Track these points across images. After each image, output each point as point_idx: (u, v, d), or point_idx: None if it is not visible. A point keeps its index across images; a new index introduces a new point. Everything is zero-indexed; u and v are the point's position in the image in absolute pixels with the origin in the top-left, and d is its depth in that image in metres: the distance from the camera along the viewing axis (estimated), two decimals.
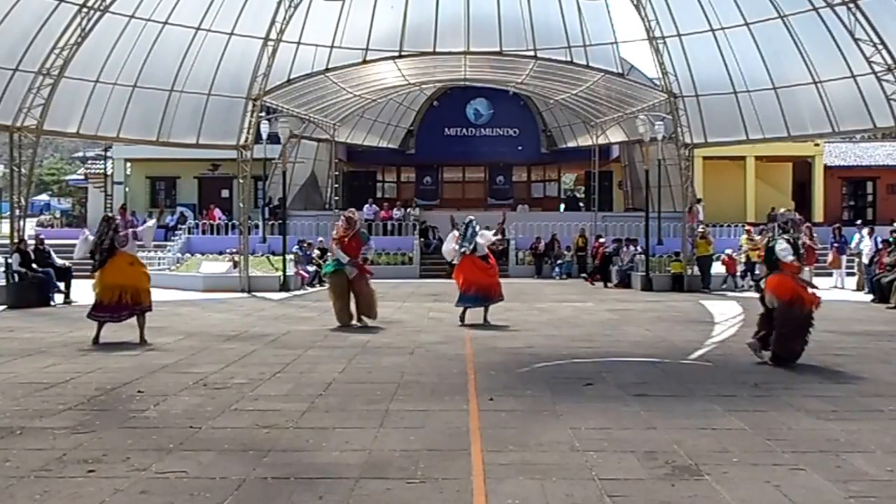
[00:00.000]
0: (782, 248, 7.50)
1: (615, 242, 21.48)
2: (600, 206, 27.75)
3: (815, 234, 8.52)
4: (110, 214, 10.16)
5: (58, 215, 39.54)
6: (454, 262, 11.49)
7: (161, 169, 31.40)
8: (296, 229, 23.57)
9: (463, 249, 11.07)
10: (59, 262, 15.49)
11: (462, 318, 11.06)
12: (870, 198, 31.94)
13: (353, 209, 12.31)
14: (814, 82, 16.93)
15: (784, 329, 7.36)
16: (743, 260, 19.22)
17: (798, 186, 31.13)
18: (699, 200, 26.34)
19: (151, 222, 10.88)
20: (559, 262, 23.21)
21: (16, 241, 15.05)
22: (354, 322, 10.80)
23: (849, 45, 15.43)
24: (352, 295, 10.86)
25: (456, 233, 11.39)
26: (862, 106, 16.24)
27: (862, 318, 12.09)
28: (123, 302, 9.09)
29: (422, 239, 25.28)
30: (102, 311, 9.09)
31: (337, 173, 27.69)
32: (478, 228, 11.25)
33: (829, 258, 18.54)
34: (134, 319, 9.26)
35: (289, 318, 12.42)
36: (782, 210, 8.12)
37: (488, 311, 11.22)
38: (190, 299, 15.78)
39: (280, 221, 21.75)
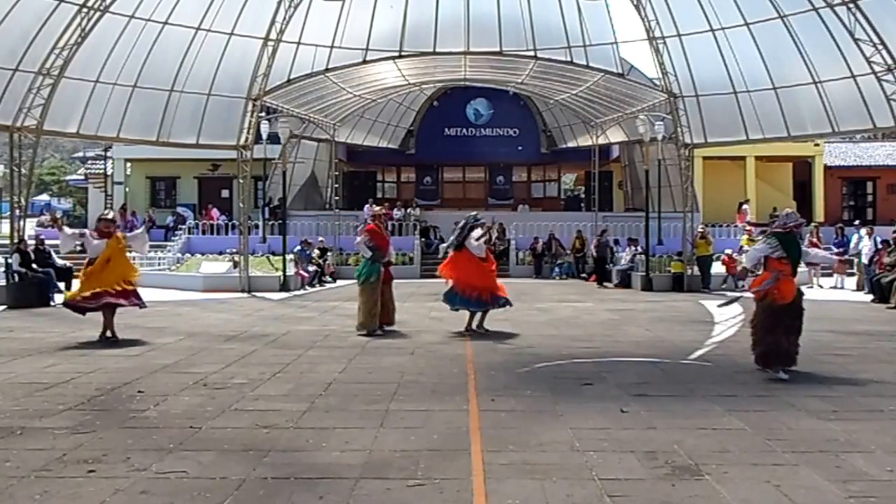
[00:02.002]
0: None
1: (599, 237, 21.43)
2: (600, 206, 27.76)
3: (821, 235, 8.41)
4: (110, 215, 10.15)
5: (59, 216, 39.54)
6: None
7: (161, 169, 31.41)
8: (296, 229, 23.57)
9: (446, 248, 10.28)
10: (59, 262, 15.51)
11: (470, 324, 10.18)
12: (870, 198, 31.96)
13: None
14: (814, 82, 16.94)
15: (761, 326, 7.31)
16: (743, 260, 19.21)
17: (798, 186, 31.14)
18: (747, 200, 26.38)
19: (140, 231, 10.68)
20: (558, 262, 23.21)
21: (16, 241, 15.05)
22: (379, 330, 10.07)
23: (849, 45, 15.44)
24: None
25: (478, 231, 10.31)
26: (862, 106, 16.25)
27: (862, 318, 12.09)
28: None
29: (422, 239, 25.29)
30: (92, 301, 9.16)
31: (337, 173, 27.67)
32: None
33: (835, 265, 18.34)
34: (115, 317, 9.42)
35: (289, 318, 12.42)
36: (788, 211, 7.86)
37: (485, 316, 10.29)
38: (190, 299, 15.78)
39: (280, 221, 21.74)
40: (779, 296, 7.13)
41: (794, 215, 7.56)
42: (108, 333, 9.22)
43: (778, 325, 7.08)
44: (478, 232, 10.18)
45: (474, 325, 10.20)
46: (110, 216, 10.02)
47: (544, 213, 29.46)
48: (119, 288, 9.19)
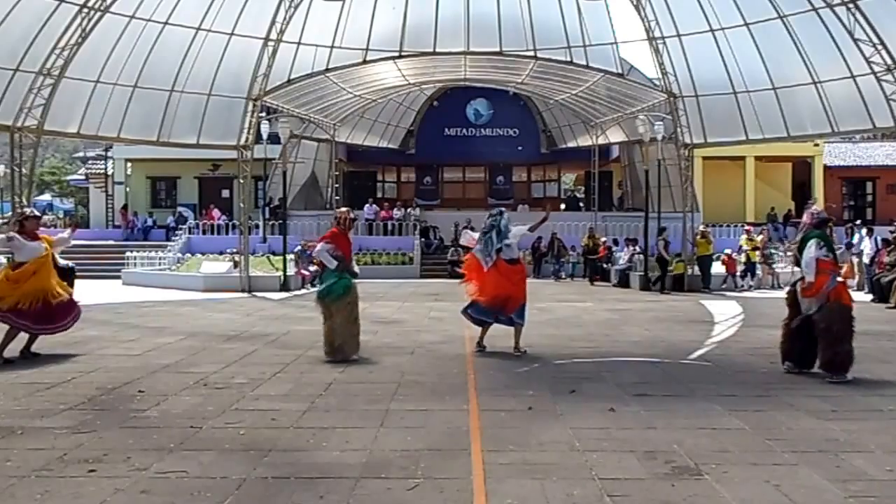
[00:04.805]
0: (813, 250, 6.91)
1: (659, 236, 18.89)
2: (602, 207, 27.76)
3: (835, 234, 8.15)
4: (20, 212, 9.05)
5: (61, 216, 39.58)
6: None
7: (161, 169, 31.44)
8: (296, 229, 23.58)
9: (497, 247, 8.44)
10: (61, 262, 15.38)
11: (482, 340, 8.60)
12: (869, 198, 31.99)
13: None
14: (813, 82, 16.95)
15: (839, 330, 6.76)
16: (743, 260, 19.24)
17: (798, 186, 31.16)
18: (815, 201, 26.22)
19: (64, 234, 9.07)
20: (562, 261, 22.96)
21: None
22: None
23: (848, 45, 15.45)
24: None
25: (471, 234, 9.14)
26: (861, 106, 16.27)
27: (862, 318, 11.98)
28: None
29: (422, 239, 25.31)
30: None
31: (337, 173, 27.72)
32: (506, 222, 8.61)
33: (845, 269, 17.74)
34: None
35: (289, 318, 12.42)
36: (815, 207, 7.59)
37: (521, 332, 8.51)
38: (190, 299, 15.79)
39: (280, 221, 21.75)
40: (847, 298, 6.95)
41: (819, 209, 7.37)
42: (30, 349, 8.12)
43: (852, 330, 6.84)
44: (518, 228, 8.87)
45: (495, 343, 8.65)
46: (37, 214, 8.87)
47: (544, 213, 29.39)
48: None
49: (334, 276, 8.02)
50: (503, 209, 8.94)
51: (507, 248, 8.50)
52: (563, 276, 22.43)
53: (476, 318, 8.59)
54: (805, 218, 7.38)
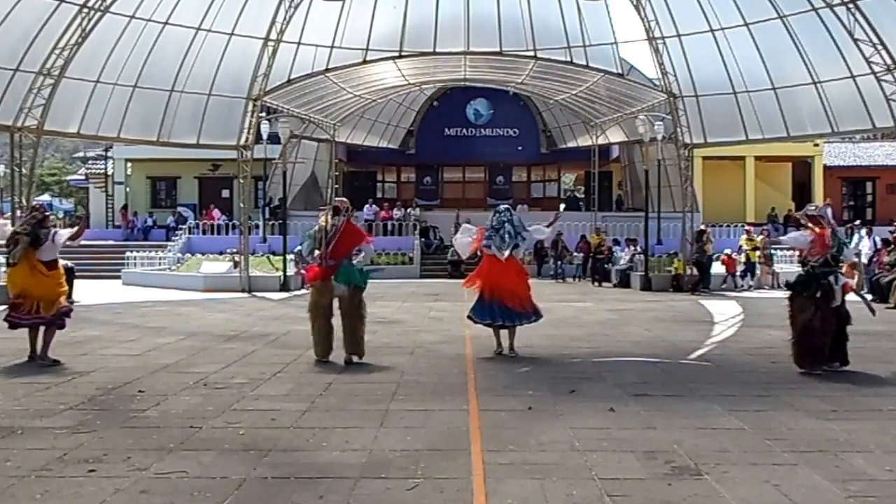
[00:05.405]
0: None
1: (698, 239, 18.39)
2: (601, 206, 27.75)
3: None
4: (36, 204, 9.09)
5: (60, 216, 39.56)
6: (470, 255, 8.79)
7: (161, 169, 31.45)
8: (296, 229, 23.55)
9: (511, 245, 8.27)
10: (61, 262, 15.46)
11: (499, 343, 8.36)
12: (869, 198, 32.00)
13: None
14: (813, 82, 16.96)
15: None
16: (743, 260, 19.24)
17: (797, 186, 31.16)
18: (828, 203, 26.13)
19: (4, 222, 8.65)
20: (564, 262, 22.75)
21: None
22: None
23: (848, 45, 15.45)
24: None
25: (469, 226, 9.04)
26: (861, 106, 16.28)
27: (861, 318, 12.05)
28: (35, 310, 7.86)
29: (422, 239, 25.32)
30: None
31: (337, 173, 27.72)
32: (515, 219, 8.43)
33: (844, 269, 17.56)
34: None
35: (289, 318, 12.41)
36: (823, 203, 7.99)
37: (515, 333, 8.35)
38: (190, 299, 15.79)
39: (280, 221, 21.76)
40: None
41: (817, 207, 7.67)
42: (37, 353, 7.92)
43: None
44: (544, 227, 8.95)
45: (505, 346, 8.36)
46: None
47: (544, 213, 29.40)
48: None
49: (356, 269, 7.97)
50: (509, 206, 8.87)
51: (521, 242, 8.42)
52: (566, 277, 22.28)
53: (483, 322, 8.40)
54: (829, 216, 7.55)
